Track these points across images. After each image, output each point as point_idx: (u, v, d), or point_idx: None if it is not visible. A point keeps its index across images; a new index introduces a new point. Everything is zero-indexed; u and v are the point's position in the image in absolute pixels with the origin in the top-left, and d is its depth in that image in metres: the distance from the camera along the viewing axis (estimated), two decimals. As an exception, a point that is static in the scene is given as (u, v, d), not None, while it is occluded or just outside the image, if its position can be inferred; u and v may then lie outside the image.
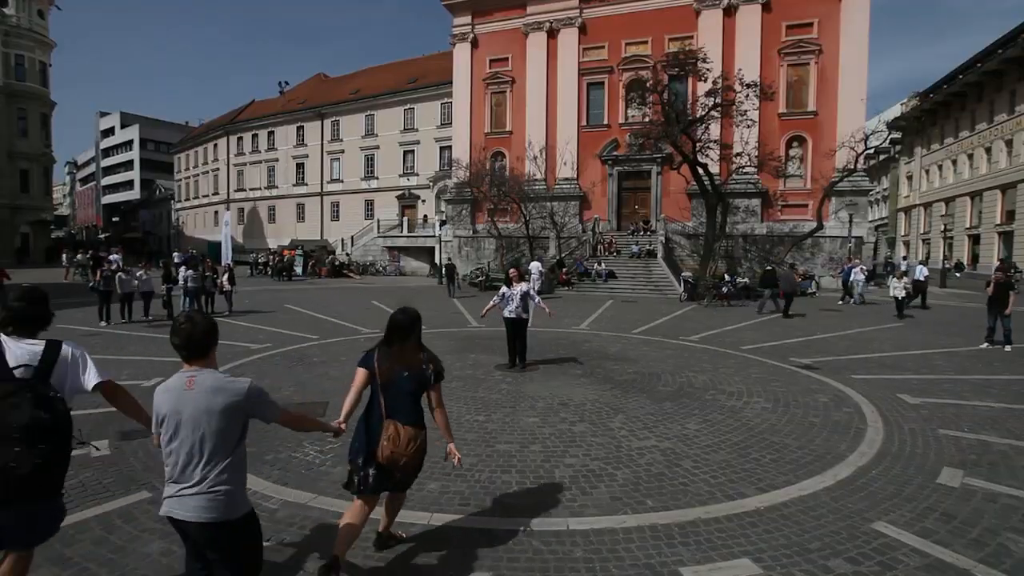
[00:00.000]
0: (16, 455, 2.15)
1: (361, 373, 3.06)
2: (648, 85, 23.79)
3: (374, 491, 3.04)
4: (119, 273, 13.81)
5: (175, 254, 35.23)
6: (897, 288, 15.88)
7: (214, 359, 2.36)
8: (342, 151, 44.65)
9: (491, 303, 8.89)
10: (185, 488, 2.20)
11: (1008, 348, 10.56)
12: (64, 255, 32.13)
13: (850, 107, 25.34)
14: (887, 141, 32.55)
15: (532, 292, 8.91)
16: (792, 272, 16.94)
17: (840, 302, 19.74)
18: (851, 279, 19.84)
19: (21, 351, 2.34)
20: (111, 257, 21.31)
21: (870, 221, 40.99)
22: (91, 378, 2.46)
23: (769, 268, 18.41)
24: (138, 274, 14.34)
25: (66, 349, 2.42)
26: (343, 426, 2.93)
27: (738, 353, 10.24)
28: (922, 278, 18.70)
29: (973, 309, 17.13)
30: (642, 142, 24.37)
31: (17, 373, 2.28)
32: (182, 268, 16.07)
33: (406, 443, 2.91)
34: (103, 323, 12.71)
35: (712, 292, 19.59)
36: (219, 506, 2.20)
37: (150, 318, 13.62)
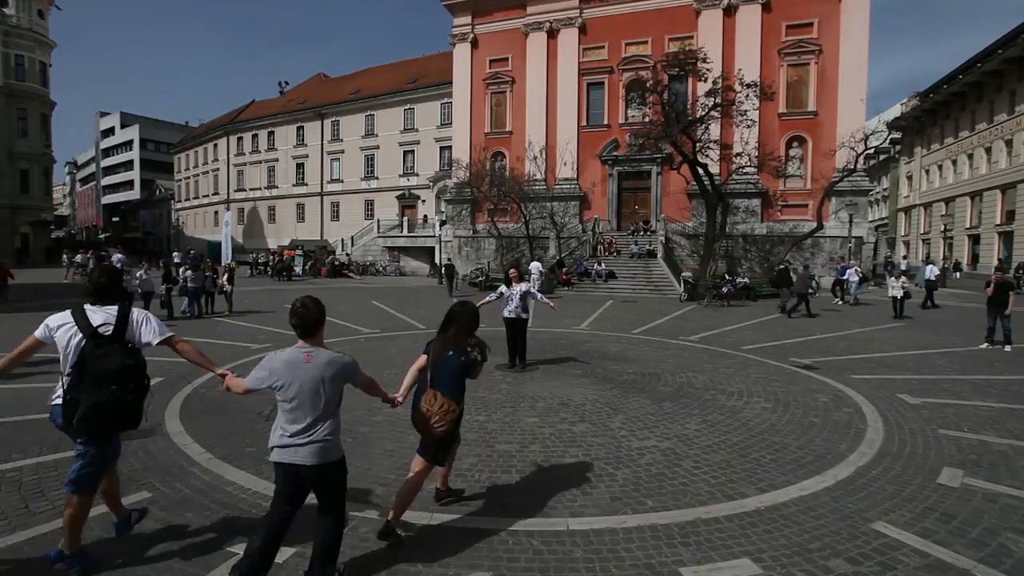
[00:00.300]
0: (112, 392, 2.85)
1: (421, 358, 3.63)
2: (648, 85, 23.79)
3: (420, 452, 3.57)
4: (119, 273, 13.79)
5: (175, 254, 35.24)
6: (895, 288, 15.62)
7: (322, 337, 2.96)
8: (342, 151, 44.66)
9: (487, 298, 8.82)
10: (302, 438, 2.79)
11: (1008, 348, 10.56)
12: (64, 255, 32.12)
13: (850, 107, 25.35)
14: (887, 141, 32.51)
15: (533, 291, 8.90)
16: (807, 273, 16.75)
17: (839, 302, 19.66)
18: (845, 278, 19.65)
19: (101, 315, 3.02)
20: (115, 257, 21.23)
21: (870, 221, 40.96)
22: (156, 335, 3.14)
23: (782, 267, 18.26)
24: (138, 274, 14.34)
25: (134, 312, 3.12)
26: (400, 399, 3.44)
27: (738, 353, 10.24)
28: (932, 277, 18.34)
29: (973, 309, 17.12)
30: (642, 142, 24.36)
31: (100, 331, 2.96)
32: (182, 268, 16.06)
33: (439, 406, 3.33)
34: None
35: (712, 292, 19.58)
36: (328, 450, 2.84)
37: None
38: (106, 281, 3.14)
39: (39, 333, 3.00)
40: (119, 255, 22.35)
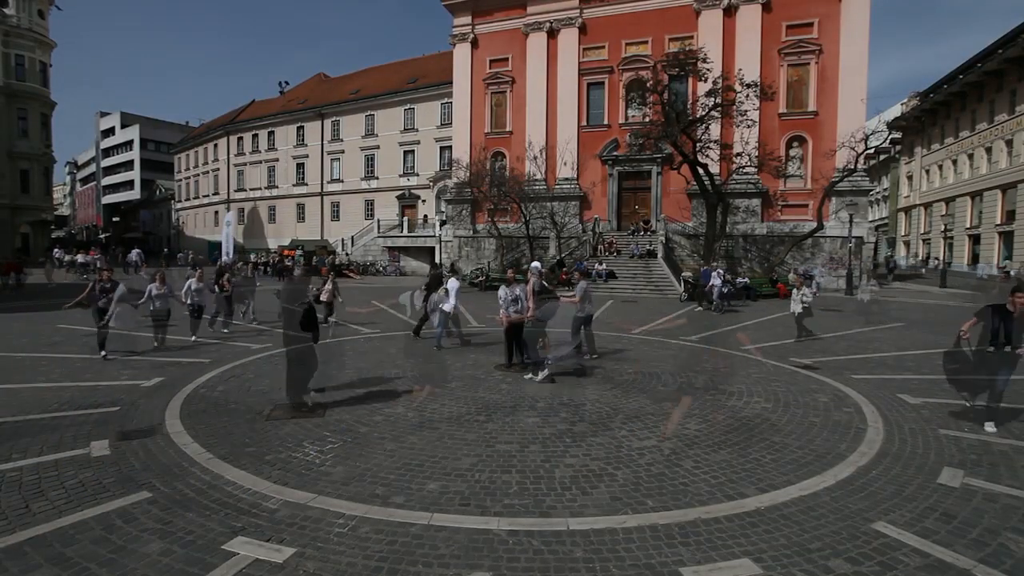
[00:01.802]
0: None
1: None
2: (648, 85, 23.76)
3: None
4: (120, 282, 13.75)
5: (178, 256, 35.27)
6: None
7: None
8: (342, 151, 44.64)
9: (502, 312, 8.73)
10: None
11: (1008, 349, 10.52)
12: (55, 251, 31.80)
13: (850, 107, 25.32)
14: (887, 141, 32.44)
15: (520, 294, 8.64)
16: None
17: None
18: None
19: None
20: (132, 254, 21.15)
21: (870, 221, 40.90)
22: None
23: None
24: (151, 286, 14.24)
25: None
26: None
27: (738, 353, 10.24)
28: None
29: (974, 309, 17.06)
30: (642, 142, 24.34)
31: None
32: (188, 277, 16.02)
33: None
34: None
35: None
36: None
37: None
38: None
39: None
40: (135, 252, 22.21)
